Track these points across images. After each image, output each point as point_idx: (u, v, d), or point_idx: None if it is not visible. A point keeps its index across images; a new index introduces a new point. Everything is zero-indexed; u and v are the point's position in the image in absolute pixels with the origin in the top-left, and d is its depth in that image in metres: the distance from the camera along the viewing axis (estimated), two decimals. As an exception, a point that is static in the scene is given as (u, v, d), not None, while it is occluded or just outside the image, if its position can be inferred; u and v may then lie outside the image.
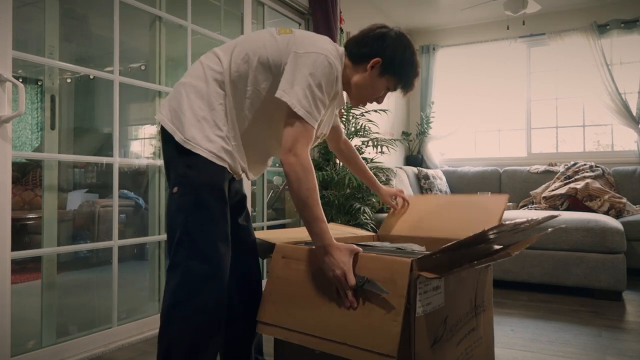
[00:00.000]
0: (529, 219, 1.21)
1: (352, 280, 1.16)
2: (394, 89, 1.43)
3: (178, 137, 1.26)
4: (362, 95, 1.42)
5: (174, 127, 1.28)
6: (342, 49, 1.39)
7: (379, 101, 1.47)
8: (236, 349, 1.45)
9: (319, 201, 1.23)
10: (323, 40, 1.32)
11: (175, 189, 1.27)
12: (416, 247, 1.45)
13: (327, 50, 1.27)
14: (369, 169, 1.82)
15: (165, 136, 1.32)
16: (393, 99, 5.06)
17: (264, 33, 1.36)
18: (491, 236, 1.23)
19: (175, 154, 1.28)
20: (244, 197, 1.51)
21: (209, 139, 1.26)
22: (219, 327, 1.26)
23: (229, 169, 1.30)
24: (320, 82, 1.24)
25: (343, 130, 1.75)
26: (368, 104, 1.49)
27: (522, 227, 1.23)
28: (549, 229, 1.41)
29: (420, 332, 1.14)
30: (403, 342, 1.12)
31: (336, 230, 1.74)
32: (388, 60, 1.35)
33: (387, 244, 1.53)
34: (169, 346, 1.21)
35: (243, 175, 1.42)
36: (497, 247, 1.39)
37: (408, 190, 4.18)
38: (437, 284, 1.21)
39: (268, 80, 1.31)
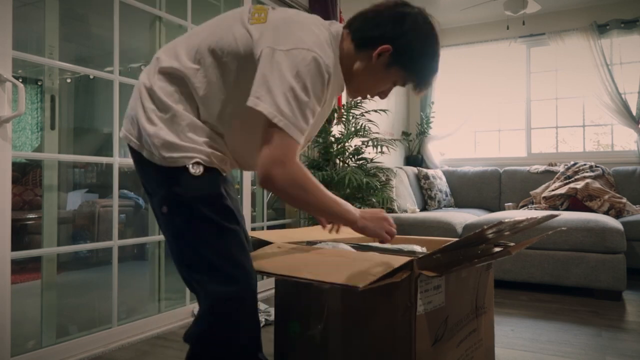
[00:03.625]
0: (528, 217, 1.22)
1: (393, 225, 1.25)
2: (402, 84, 1.18)
3: (148, 154, 1.09)
4: (361, 87, 1.18)
5: (140, 143, 1.11)
6: (337, 29, 1.14)
7: (382, 96, 1.22)
8: None
9: (322, 192, 1.07)
10: (308, 27, 1.06)
11: (164, 209, 1.09)
12: (417, 248, 1.45)
13: (314, 43, 1.02)
14: None
15: (134, 153, 1.13)
16: (393, 99, 5.06)
17: (234, 21, 1.10)
18: (490, 235, 1.23)
19: (151, 171, 1.11)
20: (237, 200, 1.44)
21: (183, 148, 1.06)
22: (257, 346, 1.14)
23: (218, 168, 1.12)
24: (305, 83, 0.99)
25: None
26: (369, 98, 1.27)
27: (521, 225, 1.23)
28: (550, 232, 1.40)
29: (421, 331, 1.15)
30: (404, 340, 1.12)
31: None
32: (401, 50, 1.09)
33: (387, 245, 1.53)
34: None
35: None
36: (497, 249, 1.40)
37: (408, 190, 4.18)
38: (438, 282, 1.21)
39: (243, 75, 1.07)
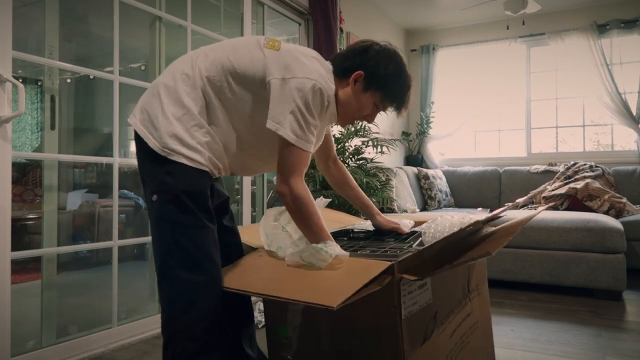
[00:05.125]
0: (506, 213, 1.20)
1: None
2: (383, 106, 1.38)
3: (152, 143, 1.21)
4: (347, 113, 1.36)
5: (147, 131, 1.23)
6: (329, 66, 1.35)
7: (369, 120, 1.42)
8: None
9: (320, 223, 1.25)
10: (311, 61, 1.28)
11: (154, 197, 1.21)
12: (406, 222, 1.47)
13: (317, 74, 1.24)
14: (364, 195, 1.67)
15: (139, 141, 1.26)
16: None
17: (252, 44, 1.30)
18: (469, 234, 1.22)
19: (150, 160, 1.23)
20: (228, 198, 1.47)
21: (185, 144, 1.21)
22: (220, 331, 1.25)
23: (210, 172, 1.26)
24: (310, 107, 1.22)
25: (334, 145, 1.65)
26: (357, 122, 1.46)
27: (498, 221, 1.22)
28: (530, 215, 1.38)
29: (408, 333, 1.13)
30: (391, 344, 1.11)
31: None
32: (370, 73, 1.31)
33: (368, 223, 1.56)
34: (173, 357, 1.20)
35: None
36: (487, 231, 1.36)
37: (408, 190, 4.18)
38: (423, 281, 1.20)
39: (250, 95, 1.26)
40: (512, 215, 1.23)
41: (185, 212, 1.19)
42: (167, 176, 1.20)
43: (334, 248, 1.17)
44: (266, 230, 1.37)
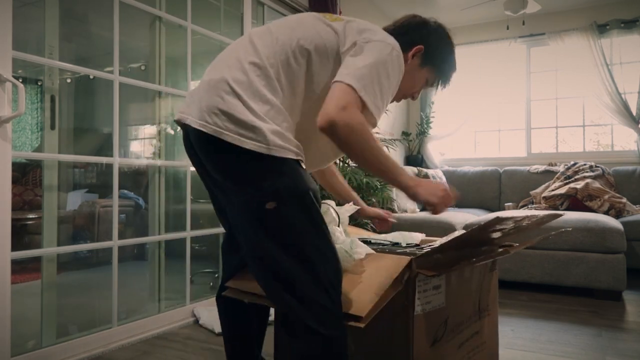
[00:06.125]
0: (529, 216, 1.21)
1: (453, 192, 1.17)
2: (431, 83, 1.33)
3: (252, 145, 1.02)
4: (402, 89, 1.27)
5: (237, 135, 1.04)
6: None
7: (414, 97, 1.34)
8: (246, 346, 1.39)
9: (380, 148, 1.08)
10: (382, 30, 1.19)
11: (270, 205, 1.03)
12: (418, 236, 1.45)
13: (392, 39, 1.15)
14: (348, 185, 1.62)
15: (220, 147, 1.06)
16: (393, 99, 5.05)
17: (311, 19, 1.19)
18: (494, 235, 1.22)
19: (246, 165, 1.05)
20: None
21: (286, 139, 1.06)
22: None
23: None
24: (389, 73, 1.10)
25: None
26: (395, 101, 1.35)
27: (524, 224, 1.22)
28: (553, 233, 1.39)
29: (419, 331, 1.13)
30: (401, 341, 1.11)
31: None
32: (431, 49, 1.26)
33: (383, 237, 1.54)
34: None
35: None
36: (500, 249, 1.38)
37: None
38: (438, 282, 1.20)
39: (325, 71, 1.14)
40: (533, 214, 1.22)
41: (314, 212, 1.07)
42: (281, 178, 1.04)
43: (360, 250, 1.15)
44: None
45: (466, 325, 1.34)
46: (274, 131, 1.04)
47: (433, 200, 1.13)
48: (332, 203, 1.38)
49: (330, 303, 1.04)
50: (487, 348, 1.47)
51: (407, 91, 1.33)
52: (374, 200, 3.34)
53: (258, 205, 1.05)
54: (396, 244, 1.43)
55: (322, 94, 1.12)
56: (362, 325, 0.99)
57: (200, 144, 1.11)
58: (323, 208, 1.31)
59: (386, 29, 1.28)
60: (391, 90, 1.13)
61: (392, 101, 1.27)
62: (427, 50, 1.26)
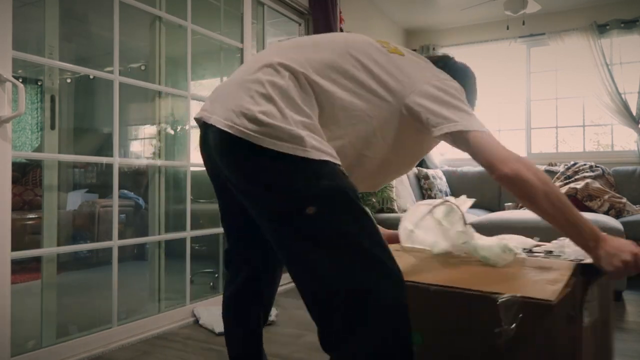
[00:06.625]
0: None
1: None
2: None
3: (287, 147, 0.94)
4: None
5: (270, 138, 0.95)
6: None
7: None
8: (254, 344, 1.35)
9: (563, 197, 1.02)
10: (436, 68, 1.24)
11: (310, 210, 0.94)
12: (527, 240, 1.36)
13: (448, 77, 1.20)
14: None
15: (248, 149, 0.97)
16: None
17: (371, 48, 1.14)
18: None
19: (280, 168, 0.96)
20: None
21: (322, 142, 0.99)
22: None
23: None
24: (461, 99, 1.13)
25: None
26: None
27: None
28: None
29: (586, 345, 0.98)
30: (566, 356, 0.93)
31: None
32: (468, 93, 1.28)
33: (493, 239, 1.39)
34: None
35: None
36: None
37: (408, 190, 4.18)
38: (595, 292, 1.06)
39: (381, 105, 1.09)
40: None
41: (362, 212, 0.98)
42: (320, 180, 0.95)
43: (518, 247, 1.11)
44: (416, 223, 1.28)
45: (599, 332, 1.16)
46: (309, 135, 0.97)
47: (618, 266, 0.99)
48: (453, 199, 1.36)
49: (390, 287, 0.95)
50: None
51: None
52: (373, 200, 3.34)
53: (297, 212, 0.95)
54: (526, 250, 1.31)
55: (380, 130, 1.10)
56: (552, 302, 0.88)
57: (223, 146, 1.02)
58: (447, 208, 1.28)
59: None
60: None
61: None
62: (467, 93, 1.26)
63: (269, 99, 0.98)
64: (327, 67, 1.06)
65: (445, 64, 1.31)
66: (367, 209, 1.04)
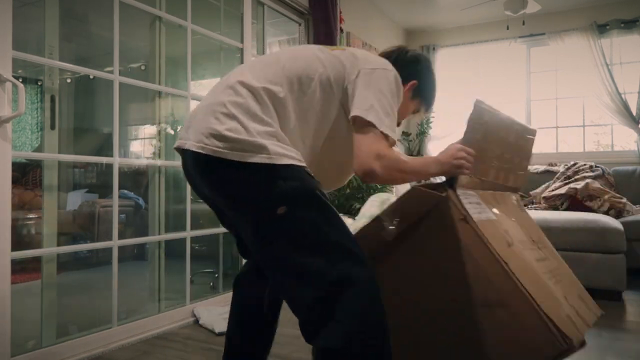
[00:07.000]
0: None
1: (467, 149, 1.23)
2: (418, 111, 1.47)
3: (258, 158, 1.05)
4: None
5: (239, 152, 1.06)
6: None
7: (399, 124, 1.42)
8: (264, 348, 1.43)
9: (413, 167, 1.22)
10: (381, 58, 1.30)
11: (281, 210, 1.04)
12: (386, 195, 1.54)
13: (392, 68, 1.25)
14: None
15: (219, 166, 1.08)
16: (393, 99, 5.06)
17: (315, 49, 1.26)
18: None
19: (249, 179, 1.07)
20: None
21: (286, 149, 1.09)
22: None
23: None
24: (393, 94, 1.20)
25: None
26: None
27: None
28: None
29: (489, 234, 1.14)
30: (477, 245, 1.13)
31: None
32: (422, 84, 1.39)
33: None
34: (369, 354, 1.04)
35: None
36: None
37: (407, 188, 4.18)
38: (476, 200, 1.24)
39: (332, 100, 1.19)
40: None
41: (326, 207, 1.09)
42: (287, 182, 1.06)
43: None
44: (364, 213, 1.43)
45: (529, 246, 1.30)
46: (272, 143, 1.07)
47: (454, 172, 1.21)
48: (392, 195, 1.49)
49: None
50: (567, 275, 1.42)
51: (399, 118, 1.41)
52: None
53: (270, 215, 1.05)
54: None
55: (331, 123, 1.21)
56: (443, 196, 1.19)
57: (198, 166, 1.13)
58: (384, 198, 1.42)
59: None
60: (396, 110, 1.23)
61: None
62: (419, 84, 1.38)
63: (232, 117, 1.09)
64: (279, 76, 1.16)
65: (397, 56, 1.38)
66: (331, 204, 1.13)
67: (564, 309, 1.14)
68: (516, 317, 1.08)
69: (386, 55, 1.39)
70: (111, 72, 2.17)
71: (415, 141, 5.38)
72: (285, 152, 1.08)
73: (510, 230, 1.26)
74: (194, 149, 1.10)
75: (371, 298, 1.04)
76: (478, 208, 1.21)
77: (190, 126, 1.17)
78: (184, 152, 1.17)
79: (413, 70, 1.37)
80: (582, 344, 1.12)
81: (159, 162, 2.54)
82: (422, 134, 5.28)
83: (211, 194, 1.16)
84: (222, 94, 1.14)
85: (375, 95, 1.16)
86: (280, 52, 1.27)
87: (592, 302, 1.39)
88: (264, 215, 1.07)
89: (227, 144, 1.06)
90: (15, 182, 4.15)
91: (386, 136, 1.15)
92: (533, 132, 1.52)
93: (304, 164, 1.11)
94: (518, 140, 1.46)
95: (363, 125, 1.14)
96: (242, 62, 2.96)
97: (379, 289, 1.06)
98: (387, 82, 1.19)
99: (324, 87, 1.19)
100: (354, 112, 1.15)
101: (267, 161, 1.05)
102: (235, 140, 1.06)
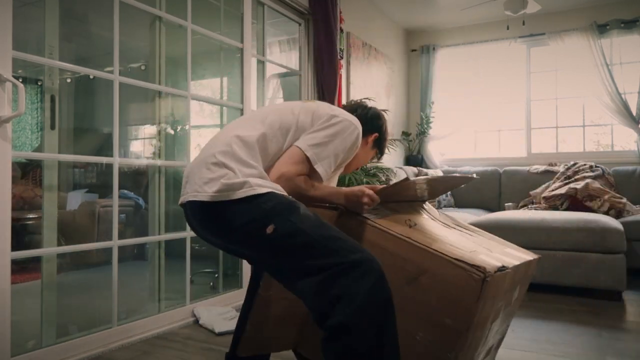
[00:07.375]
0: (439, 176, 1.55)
1: (370, 192, 1.36)
2: (374, 158, 1.74)
3: (241, 192, 1.22)
4: (356, 163, 1.67)
5: (227, 193, 1.23)
6: None
7: (359, 168, 1.69)
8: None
9: (318, 193, 1.36)
10: (348, 113, 1.48)
11: (270, 228, 1.18)
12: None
13: (357, 122, 1.46)
14: None
15: (214, 212, 1.25)
16: (393, 99, 5.06)
17: (293, 105, 1.46)
18: (418, 191, 1.52)
19: (238, 213, 1.22)
20: None
21: (269, 184, 1.27)
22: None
23: None
24: (346, 146, 1.41)
25: None
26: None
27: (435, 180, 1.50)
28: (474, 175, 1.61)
29: (388, 224, 1.33)
30: (383, 235, 1.30)
31: None
32: (381, 136, 1.65)
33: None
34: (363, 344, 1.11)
35: None
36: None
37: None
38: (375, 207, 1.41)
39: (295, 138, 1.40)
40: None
41: (307, 214, 1.23)
42: (267, 203, 1.21)
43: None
44: None
45: (440, 225, 1.49)
46: (255, 181, 1.25)
47: (355, 207, 1.38)
48: None
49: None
50: (492, 241, 1.55)
51: (359, 164, 1.70)
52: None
53: (262, 235, 1.19)
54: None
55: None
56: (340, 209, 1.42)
57: (198, 214, 1.28)
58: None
59: (347, 109, 1.60)
60: (341, 157, 1.42)
61: (347, 172, 1.68)
62: (380, 137, 1.65)
63: (221, 165, 1.26)
64: (264, 126, 1.37)
65: (362, 111, 1.63)
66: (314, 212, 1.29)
67: (476, 252, 1.27)
68: (436, 276, 1.22)
69: (350, 108, 1.61)
70: (111, 72, 2.17)
71: (416, 141, 5.38)
72: (265, 183, 1.25)
73: (413, 218, 1.45)
74: (191, 199, 1.26)
75: (378, 277, 1.13)
76: (375, 211, 1.40)
77: (187, 181, 1.33)
78: (184, 206, 1.33)
79: (375, 124, 1.63)
80: (502, 268, 1.22)
81: (159, 162, 2.54)
82: (422, 133, 5.28)
83: (212, 239, 1.33)
84: (213, 147, 1.32)
85: (326, 135, 1.37)
86: (265, 107, 1.50)
87: (525, 250, 1.57)
88: (258, 238, 1.20)
89: (220, 187, 1.22)
90: (15, 182, 4.15)
91: (312, 167, 1.34)
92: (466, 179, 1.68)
93: (284, 193, 1.27)
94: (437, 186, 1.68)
95: (303, 156, 1.35)
96: (242, 62, 2.96)
97: (383, 270, 1.16)
98: (344, 129, 1.40)
99: (295, 134, 1.40)
100: (298, 142, 1.36)
101: (251, 192, 1.22)
102: (227, 184, 1.22)
